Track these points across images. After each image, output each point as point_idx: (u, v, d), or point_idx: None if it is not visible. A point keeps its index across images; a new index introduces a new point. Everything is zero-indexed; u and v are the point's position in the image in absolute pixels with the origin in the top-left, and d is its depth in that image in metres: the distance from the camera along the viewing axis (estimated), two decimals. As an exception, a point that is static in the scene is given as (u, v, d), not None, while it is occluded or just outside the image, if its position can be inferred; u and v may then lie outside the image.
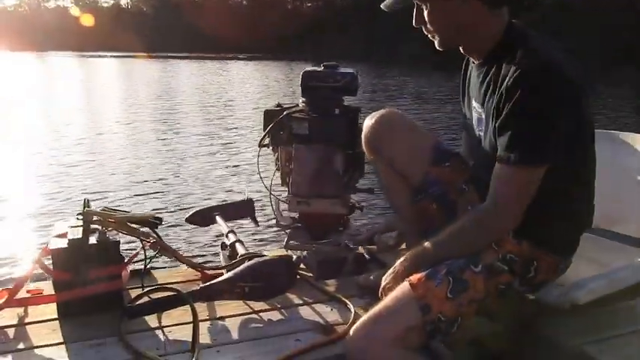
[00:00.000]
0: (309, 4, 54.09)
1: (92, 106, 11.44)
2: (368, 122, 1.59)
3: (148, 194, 4.50)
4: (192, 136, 7.42)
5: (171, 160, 5.86)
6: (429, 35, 1.35)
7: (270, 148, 1.99)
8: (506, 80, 1.20)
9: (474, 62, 1.41)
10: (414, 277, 1.24)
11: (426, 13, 1.29)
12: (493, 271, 1.27)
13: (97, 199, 4.27)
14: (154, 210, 4.04)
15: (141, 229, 1.63)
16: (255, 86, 16.14)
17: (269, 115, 1.93)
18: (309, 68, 1.95)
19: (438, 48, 1.36)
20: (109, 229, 1.57)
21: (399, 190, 1.61)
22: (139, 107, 11.13)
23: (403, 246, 1.83)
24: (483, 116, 1.35)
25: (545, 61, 1.20)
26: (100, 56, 34.45)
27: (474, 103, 1.41)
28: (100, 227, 1.56)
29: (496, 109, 1.24)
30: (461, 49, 1.38)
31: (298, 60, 29.09)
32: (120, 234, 1.60)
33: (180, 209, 3.86)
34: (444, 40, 1.33)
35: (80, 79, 19.80)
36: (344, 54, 33.08)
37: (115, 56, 33.10)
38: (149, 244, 1.65)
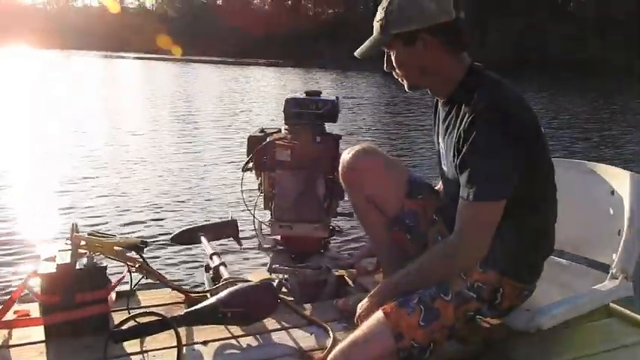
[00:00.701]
0: (330, 11, 54.48)
1: (92, 114, 11.29)
2: (345, 156, 1.65)
3: (134, 212, 4.51)
4: (181, 154, 7.41)
5: (159, 179, 5.87)
6: (399, 78, 1.45)
7: (254, 172, 2.05)
8: (464, 121, 1.31)
9: (440, 100, 1.51)
10: (388, 306, 1.30)
11: (393, 58, 1.41)
12: (462, 299, 1.35)
13: (87, 217, 4.25)
14: (140, 228, 4.07)
15: (127, 254, 1.69)
16: (273, 95, 16.02)
17: (253, 141, 1.99)
18: (291, 95, 2.03)
19: (406, 90, 1.47)
20: (97, 253, 1.63)
21: (375, 222, 1.68)
22: (140, 117, 11.09)
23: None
24: (444, 152, 1.46)
25: (497, 103, 1.28)
26: (121, 57, 34.44)
27: (440, 139, 1.51)
28: (87, 252, 1.61)
29: (456, 148, 1.34)
30: (428, 90, 1.48)
31: (316, 67, 29.32)
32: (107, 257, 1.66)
33: (167, 229, 3.88)
34: (411, 83, 1.45)
35: (93, 80, 19.50)
36: (362, 62, 33.39)
37: (136, 58, 33.14)
38: (135, 267, 1.70)
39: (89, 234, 1.70)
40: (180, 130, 9.82)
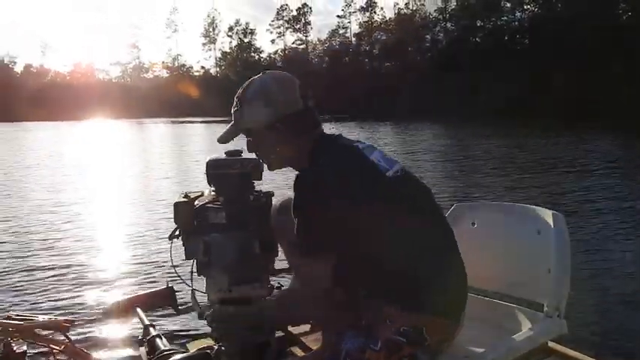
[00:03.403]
0: (388, 64, 58.20)
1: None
2: (274, 206, 1.69)
3: (60, 288, 4.26)
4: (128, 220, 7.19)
5: (84, 247, 5.62)
6: (262, 160, 1.60)
7: (181, 239, 1.97)
8: None
9: None
10: None
11: (252, 143, 1.57)
12: (393, 346, 1.33)
13: (6, 297, 3.98)
14: (68, 305, 3.83)
15: (50, 336, 1.58)
16: None
17: (180, 208, 1.93)
18: (212, 157, 1.99)
19: (269, 170, 1.60)
20: (15, 338, 1.51)
21: None
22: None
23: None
24: None
25: (317, 167, 1.42)
26: (190, 122, 34.31)
27: None
28: (5, 338, 1.49)
29: None
30: (291, 167, 1.57)
31: (374, 120, 29.59)
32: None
33: (98, 303, 3.69)
34: (270, 163, 1.60)
35: (141, 143, 20.01)
36: (415, 114, 34.78)
37: (203, 121, 32.90)
38: (59, 349, 1.59)
39: (7, 317, 1.58)
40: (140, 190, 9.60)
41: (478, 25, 55.29)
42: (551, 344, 1.76)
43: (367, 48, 65.64)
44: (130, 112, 48.31)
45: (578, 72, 36.27)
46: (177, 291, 2.15)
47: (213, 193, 1.93)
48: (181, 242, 1.93)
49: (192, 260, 1.97)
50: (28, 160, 16.55)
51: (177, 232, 1.91)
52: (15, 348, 1.48)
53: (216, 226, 1.91)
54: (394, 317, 1.36)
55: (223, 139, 1.58)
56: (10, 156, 18.41)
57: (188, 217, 1.89)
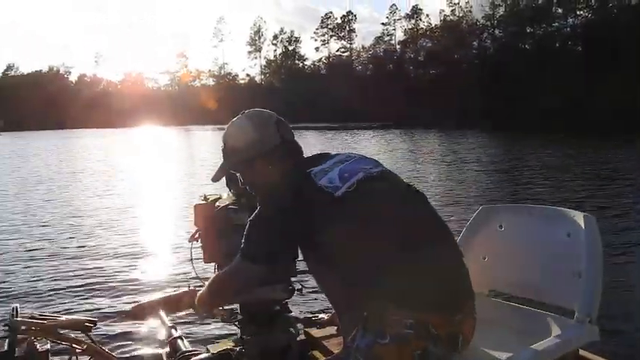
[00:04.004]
0: (433, 71, 57.68)
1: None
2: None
3: (84, 289, 4.32)
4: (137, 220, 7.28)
5: (112, 250, 5.69)
6: (252, 192, 1.67)
7: (200, 242, 1.96)
8: None
9: None
10: None
11: (241, 179, 1.68)
12: (403, 339, 1.32)
13: (32, 298, 4.03)
14: (91, 306, 3.88)
15: (72, 335, 1.59)
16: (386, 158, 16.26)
17: (200, 210, 1.93)
18: None
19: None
20: (38, 337, 1.52)
21: None
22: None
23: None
24: None
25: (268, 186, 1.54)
26: None
27: None
28: (28, 337, 1.51)
29: None
30: None
31: (420, 127, 29.70)
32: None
33: (122, 304, 3.72)
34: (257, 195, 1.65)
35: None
36: (461, 122, 35.10)
37: None
38: (82, 349, 1.59)
39: (32, 316, 1.60)
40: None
41: (528, 31, 53.53)
42: (581, 352, 1.70)
43: (412, 55, 65.13)
44: (177, 120, 49.61)
45: (637, 78, 34.84)
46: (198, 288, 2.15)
47: (233, 194, 1.93)
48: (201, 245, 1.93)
49: (214, 263, 1.97)
50: (75, 166, 17.13)
51: (197, 235, 1.91)
52: (38, 347, 1.49)
53: (241, 227, 1.91)
54: (397, 314, 1.34)
55: (215, 178, 1.71)
56: (58, 162, 19.14)
57: (208, 220, 1.89)
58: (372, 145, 22.89)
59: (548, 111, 34.92)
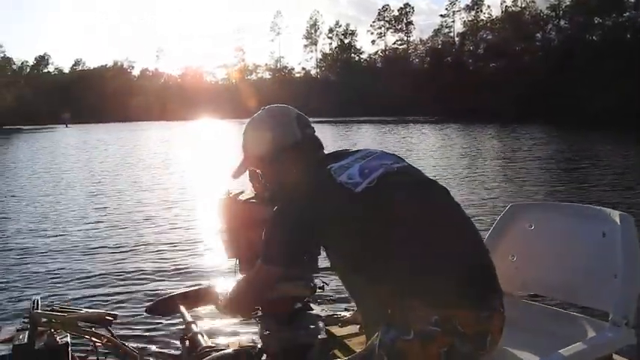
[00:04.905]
0: (493, 64, 55.62)
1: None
2: None
3: (105, 282, 4.34)
4: (160, 219, 7.30)
5: (135, 244, 5.72)
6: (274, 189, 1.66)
7: (224, 236, 1.95)
8: None
9: None
10: None
11: (261, 176, 1.67)
12: (428, 336, 1.28)
13: (52, 290, 4.06)
14: (112, 300, 3.89)
15: (93, 328, 1.57)
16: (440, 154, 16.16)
17: (224, 204, 1.91)
18: None
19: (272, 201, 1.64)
20: (58, 330, 1.51)
21: None
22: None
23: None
24: None
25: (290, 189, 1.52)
26: None
27: None
28: (48, 329, 1.49)
29: None
30: None
31: (478, 122, 29.40)
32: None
33: (142, 299, 3.72)
34: (274, 193, 1.65)
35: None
36: (522, 116, 33.90)
37: None
38: (102, 343, 1.58)
39: (52, 309, 1.58)
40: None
41: (596, 22, 50.09)
42: (615, 357, 1.63)
43: (471, 47, 62.70)
44: (234, 113, 50.40)
45: None
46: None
47: (253, 190, 1.90)
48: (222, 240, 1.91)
49: (235, 257, 1.95)
50: (131, 158, 17.46)
51: (221, 230, 1.90)
52: (58, 339, 1.47)
53: (260, 222, 1.88)
54: (421, 310, 1.31)
55: (236, 175, 1.70)
56: (112, 154, 19.58)
57: (230, 215, 1.87)
58: (427, 139, 22.40)
59: (618, 106, 32.68)
